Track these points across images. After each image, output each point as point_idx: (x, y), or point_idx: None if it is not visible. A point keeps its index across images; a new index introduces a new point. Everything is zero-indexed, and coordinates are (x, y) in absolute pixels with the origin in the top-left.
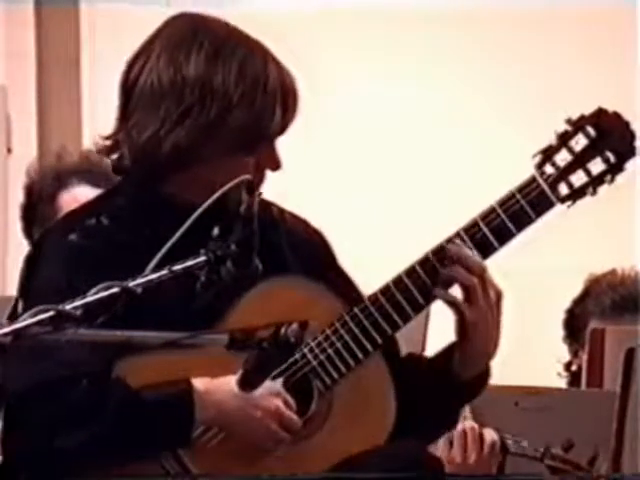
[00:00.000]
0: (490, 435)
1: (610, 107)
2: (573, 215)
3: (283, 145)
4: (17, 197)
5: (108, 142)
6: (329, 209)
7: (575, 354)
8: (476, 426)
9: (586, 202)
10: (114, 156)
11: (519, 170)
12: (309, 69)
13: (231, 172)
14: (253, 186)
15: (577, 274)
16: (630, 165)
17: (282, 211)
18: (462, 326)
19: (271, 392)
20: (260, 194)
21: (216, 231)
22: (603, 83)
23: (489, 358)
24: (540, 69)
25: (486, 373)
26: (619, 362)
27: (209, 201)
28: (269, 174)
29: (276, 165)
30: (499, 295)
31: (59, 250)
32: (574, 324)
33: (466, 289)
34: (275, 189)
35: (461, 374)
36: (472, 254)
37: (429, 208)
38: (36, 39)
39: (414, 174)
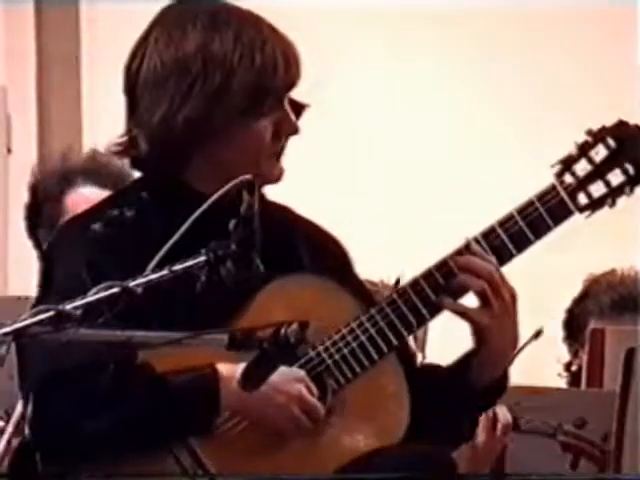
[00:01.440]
0: (504, 415)
1: (610, 106)
2: (573, 215)
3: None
4: (17, 197)
5: (123, 140)
6: (333, 210)
7: (575, 354)
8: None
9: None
10: (132, 152)
11: (519, 170)
12: (314, 67)
13: (249, 142)
14: (254, 186)
15: (577, 274)
16: None
17: (299, 216)
18: (477, 332)
19: (295, 378)
20: (282, 170)
21: (232, 226)
22: (603, 83)
23: (508, 361)
24: (540, 69)
25: (504, 378)
26: (619, 362)
27: (209, 202)
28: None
29: (293, 129)
30: (513, 296)
31: (82, 239)
32: (574, 324)
33: (478, 294)
34: (278, 189)
35: (478, 381)
36: (481, 260)
37: (429, 210)
38: (36, 39)
39: (415, 174)
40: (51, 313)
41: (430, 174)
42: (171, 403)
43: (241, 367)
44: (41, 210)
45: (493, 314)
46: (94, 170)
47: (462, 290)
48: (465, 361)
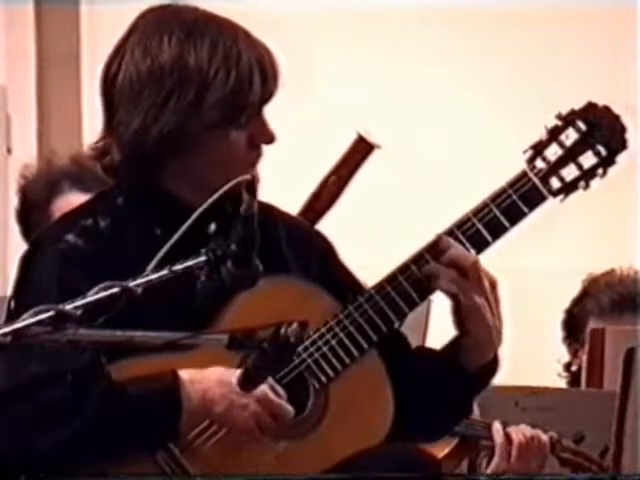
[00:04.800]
0: (517, 435)
1: (610, 107)
2: (573, 216)
3: (280, 145)
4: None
5: (98, 146)
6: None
7: (575, 354)
8: (533, 431)
9: (586, 203)
10: (105, 160)
11: (519, 169)
12: (307, 68)
13: (224, 153)
14: (253, 186)
15: (577, 274)
16: (630, 165)
17: (282, 213)
18: (459, 319)
19: None
20: (257, 176)
21: (212, 227)
22: (603, 83)
23: (494, 348)
24: (540, 69)
25: (494, 362)
26: (619, 362)
27: (209, 201)
28: (269, 172)
29: (269, 137)
30: (493, 284)
31: (55, 251)
32: (573, 324)
33: (447, 294)
34: (271, 188)
35: (467, 366)
36: (460, 254)
37: (427, 206)
38: (36, 39)
39: (412, 172)
40: (51, 313)
41: (428, 173)
42: (131, 410)
43: (206, 371)
44: (30, 216)
45: (473, 303)
46: (80, 175)
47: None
48: (453, 346)
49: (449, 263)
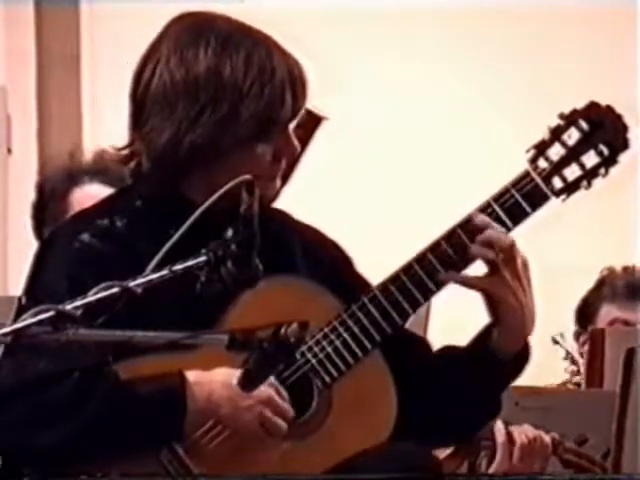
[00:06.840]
0: (520, 436)
1: (613, 106)
2: (574, 215)
3: None
4: (17, 197)
5: (124, 152)
6: (335, 207)
7: (583, 345)
8: (535, 432)
9: (588, 202)
10: (131, 164)
11: (519, 170)
12: (316, 68)
13: (249, 168)
14: (253, 186)
15: (577, 274)
16: (631, 165)
17: (297, 221)
18: (492, 304)
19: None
20: (277, 191)
21: (230, 233)
22: (603, 83)
23: (527, 331)
24: (540, 69)
25: (526, 349)
26: (619, 362)
27: (209, 201)
28: None
29: (292, 152)
30: (525, 264)
31: (69, 249)
32: (585, 312)
33: (489, 263)
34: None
35: (501, 354)
36: (495, 230)
37: (429, 205)
38: (36, 39)
39: (415, 172)
40: (51, 313)
41: (431, 173)
42: (136, 409)
43: (211, 373)
44: (46, 208)
45: (506, 285)
46: (101, 169)
47: (469, 261)
48: (484, 336)
49: (485, 243)
